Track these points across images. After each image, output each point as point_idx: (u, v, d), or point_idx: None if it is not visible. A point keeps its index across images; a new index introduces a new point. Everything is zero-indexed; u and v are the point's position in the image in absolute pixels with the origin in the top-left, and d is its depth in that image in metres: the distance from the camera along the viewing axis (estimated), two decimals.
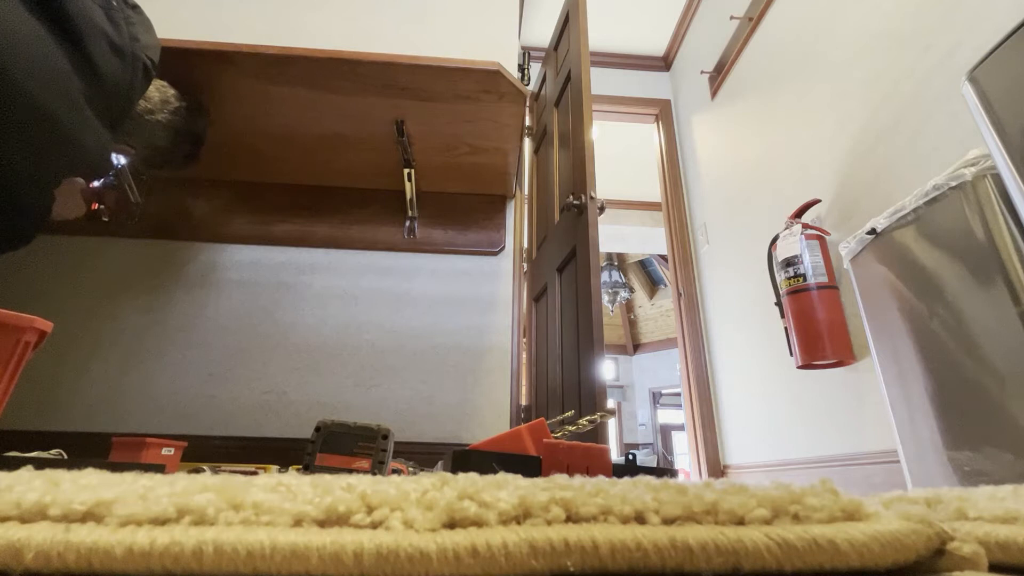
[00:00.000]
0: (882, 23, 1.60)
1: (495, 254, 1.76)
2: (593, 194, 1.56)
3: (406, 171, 1.62)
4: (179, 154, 1.27)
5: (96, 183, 1.25)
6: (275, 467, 1.11)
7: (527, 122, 2.58)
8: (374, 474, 0.55)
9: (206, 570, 0.22)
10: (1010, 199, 0.89)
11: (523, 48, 2.34)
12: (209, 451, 1.37)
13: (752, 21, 2.36)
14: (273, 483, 0.29)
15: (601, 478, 0.33)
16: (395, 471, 0.93)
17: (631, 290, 8.36)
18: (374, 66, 1.26)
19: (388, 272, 1.65)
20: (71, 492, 0.25)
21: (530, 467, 0.61)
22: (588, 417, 0.88)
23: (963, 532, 0.29)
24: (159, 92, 1.23)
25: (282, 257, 1.64)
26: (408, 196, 1.69)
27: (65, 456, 0.99)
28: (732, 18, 2.52)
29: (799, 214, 1.81)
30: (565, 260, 1.73)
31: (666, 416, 8.42)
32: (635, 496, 0.28)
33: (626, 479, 0.33)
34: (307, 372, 1.50)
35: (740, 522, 0.27)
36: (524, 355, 2.21)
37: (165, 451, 1.06)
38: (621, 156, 4.25)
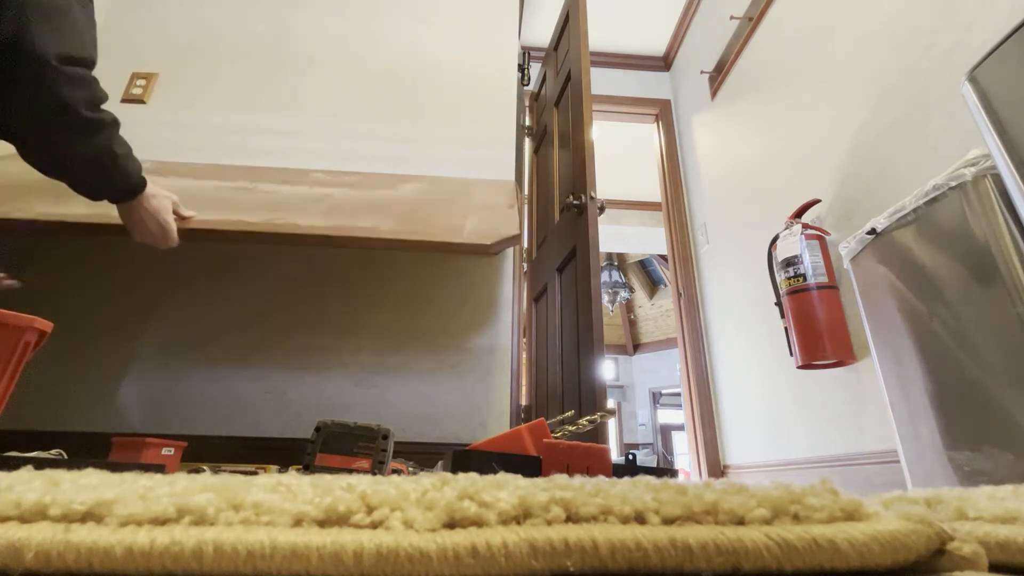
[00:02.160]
0: (882, 23, 1.60)
1: (495, 254, 1.76)
2: (593, 194, 1.56)
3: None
4: None
5: None
6: (275, 467, 1.11)
7: (527, 122, 2.58)
8: (374, 474, 0.55)
9: (206, 570, 0.22)
10: (1010, 199, 0.89)
11: (523, 48, 2.34)
12: (209, 451, 1.37)
13: (752, 21, 2.36)
14: (273, 483, 0.29)
15: (601, 478, 0.33)
16: (395, 471, 0.93)
17: (631, 290, 8.36)
18: (355, 240, 1.25)
19: (389, 271, 1.65)
20: (71, 492, 0.25)
21: (530, 467, 0.61)
22: (588, 417, 0.88)
23: (963, 532, 0.29)
24: None
25: (282, 256, 1.64)
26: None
27: (65, 456, 0.99)
28: (732, 18, 2.52)
29: (799, 214, 1.81)
30: (565, 260, 1.73)
31: (666, 416, 8.42)
32: (635, 496, 0.28)
33: (626, 479, 0.33)
34: (307, 372, 1.50)
35: (740, 522, 0.27)
36: (524, 355, 2.21)
37: (165, 451, 1.06)
38: (621, 156, 4.25)
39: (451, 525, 0.25)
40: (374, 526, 0.25)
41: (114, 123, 0.98)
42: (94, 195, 1.04)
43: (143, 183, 1.08)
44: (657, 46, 3.39)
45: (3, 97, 0.84)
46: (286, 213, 1.34)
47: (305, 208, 1.38)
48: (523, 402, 1.97)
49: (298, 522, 0.25)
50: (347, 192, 1.47)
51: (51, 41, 0.84)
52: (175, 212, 1.18)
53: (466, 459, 0.61)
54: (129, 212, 1.08)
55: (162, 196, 1.13)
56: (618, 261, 8.27)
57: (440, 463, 0.71)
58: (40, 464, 0.36)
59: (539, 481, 0.31)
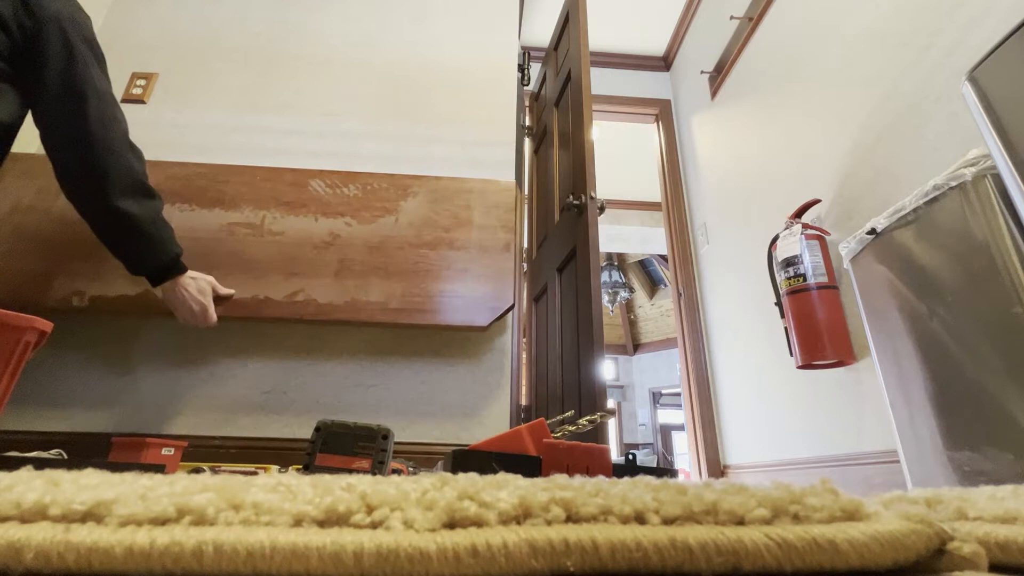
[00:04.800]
0: (882, 23, 1.60)
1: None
2: (593, 194, 1.56)
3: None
4: None
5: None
6: (275, 467, 1.11)
7: (527, 122, 2.58)
8: (374, 474, 0.55)
9: (206, 570, 0.22)
10: (1010, 199, 0.89)
11: (523, 48, 2.34)
12: (209, 451, 1.37)
13: (752, 21, 2.36)
14: (273, 483, 0.29)
15: (601, 478, 0.33)
16: (395, 471, 0.93)
17: (631, 290, 8.36)
18: (368, 324, 1.47)
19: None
20: (71, 492, 0.25)
21: (530, 467, 0.61)
22: (588, 417, 0.88)
23: (963, 532, 0.29)
24: None
25: None
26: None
27: (65, 456, 0.99)
28: (732, 18, 2.52)
29: (799, 214, 1.81)
30: (565, 260, 1.73)
31: (666, 416, 8.42)
32: (635, 496, 0.28)
33: (626, 479, 0.33)
34: (307, 372, 1.50)
35: (740, 522, 0.27)
36: (524, 355, 2.21)
37: (165, 451, 1.06)
38: (621, 156, 4.25)
39: (451, 525, 0.25)
40: (374, 526, 0.25)
41: (161, 199, 1.17)
42: (139, 262, 1.16)
43: (183, 266, 1.21)
44: (657, 46, 3.39)
45: (81, 168, 1.04)
46: (302, 279, 1.46)
47: (316, 264, 1.49)
48: (523, 402, 1.97)
49: (298, 522, 0.25)
50: (351, 230, 1.54)
51: (122, 125, 1.09)
52: (214, 292, 1.31)
53: (466, 459, 0.61)
54: (173, 293, 1.20)
55: (201, 279, 1.26)
56: (618, 261, 8.28)
57: (440, 463, 0.71)
58: (40, 464, 0.36)
59: (539, 481, 0.31)
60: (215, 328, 1.33)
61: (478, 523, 0.25)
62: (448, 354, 1.54)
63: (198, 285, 1.25)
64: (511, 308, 1.49)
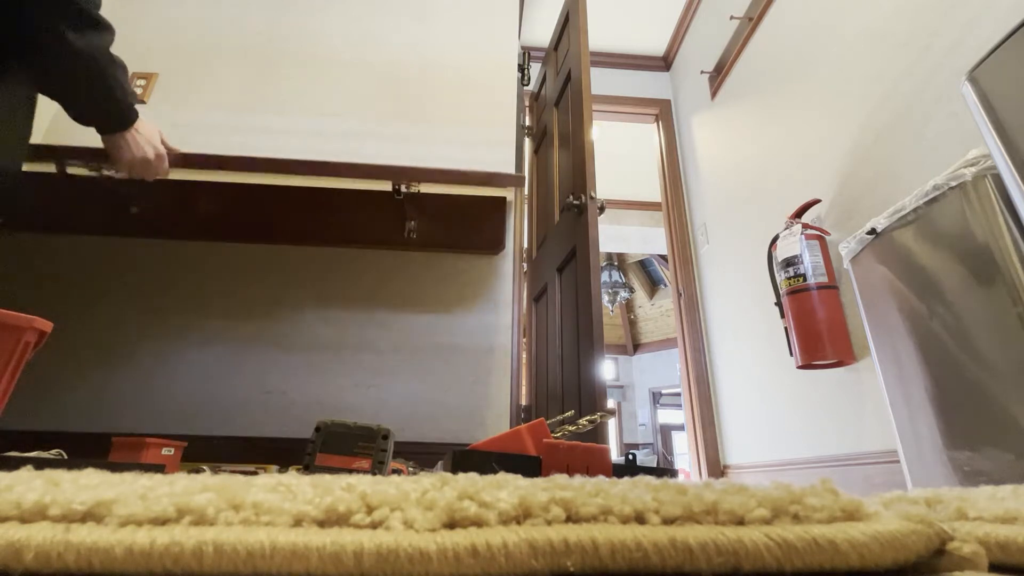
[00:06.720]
0: (882, 23, 1.60)
1: (495, 254, 1.75)
2: (593, 194, 1.56)
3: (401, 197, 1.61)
4: None
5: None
6: (275, 467, 1.11)
7: (527, 122, 2.58)
8: (374, 474, 0.55)
9: (206, 570, 0.22)
10: (1010, 199, 0.89)
11: (523, 48, 2.34)
12: (209, 451, 1.37)
13: (752, 21, 2.36)
14: (273, 483, 0.29)
15: (601, 478, 0.33)
16: (395, 471, 0.93)
17: (631, 290, 8.36)
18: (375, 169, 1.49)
19: (389, 271, 1.65)
20: (71, 492, 0.25)
21: (530, 467, 0.61)
22: (588, 417, 0.88)
23: (963, 532, 0.29)
24: None
25: (282, 255, 1.64)
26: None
27: (65, 456, 0.99)
28: (732, 18, 2.52)
29: (799, 214, 1.81)
30: (565, 260, 1.73)
31: (666, 416, 8.42)
32: (635, 496, 0.28)
33: (626, 479, 0.33)
34: (307, 372, 1.50)
35: (740, 522, 0.27)
36: (524, 355, 2.21)
37: (165, 451, 1.06)
38: (621, 156, 4.25)
39: (451, 525, 0.25)
40: (374, 526, 0.25)
41: (111, 30, 1.01)
42: (88, 109, 1.03)
43: (136, 113, 1.08)
44: (657, 46, 3.38)
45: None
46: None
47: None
48: (523, 402, 1.97)
49: (298, 522, 0.25)
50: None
51: None
52: (163, 143, 1.18)
53: (466, 459, 0.61)
54: (124, 139, 1.08)
55: (151, 125, 1.14)
56: (618, 261, 8.27)
57: (440, 463, 0.71)
58: (40, 464, 0.36)
59: (539, 481, 0.31)
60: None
61: (478, 523, 0.25)
62: (448, 351, 1.54)
63: (149, 130, 1.13)
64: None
